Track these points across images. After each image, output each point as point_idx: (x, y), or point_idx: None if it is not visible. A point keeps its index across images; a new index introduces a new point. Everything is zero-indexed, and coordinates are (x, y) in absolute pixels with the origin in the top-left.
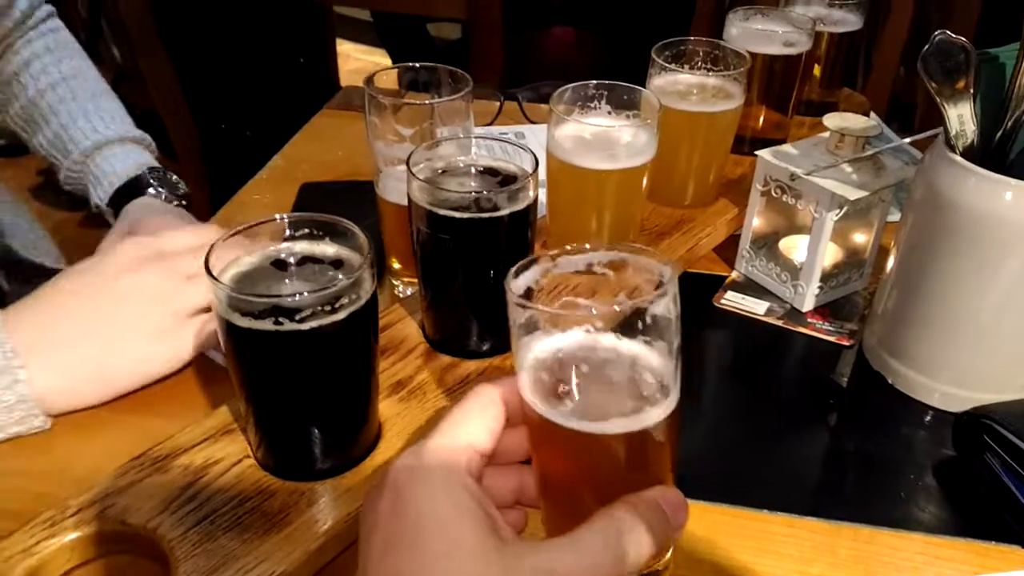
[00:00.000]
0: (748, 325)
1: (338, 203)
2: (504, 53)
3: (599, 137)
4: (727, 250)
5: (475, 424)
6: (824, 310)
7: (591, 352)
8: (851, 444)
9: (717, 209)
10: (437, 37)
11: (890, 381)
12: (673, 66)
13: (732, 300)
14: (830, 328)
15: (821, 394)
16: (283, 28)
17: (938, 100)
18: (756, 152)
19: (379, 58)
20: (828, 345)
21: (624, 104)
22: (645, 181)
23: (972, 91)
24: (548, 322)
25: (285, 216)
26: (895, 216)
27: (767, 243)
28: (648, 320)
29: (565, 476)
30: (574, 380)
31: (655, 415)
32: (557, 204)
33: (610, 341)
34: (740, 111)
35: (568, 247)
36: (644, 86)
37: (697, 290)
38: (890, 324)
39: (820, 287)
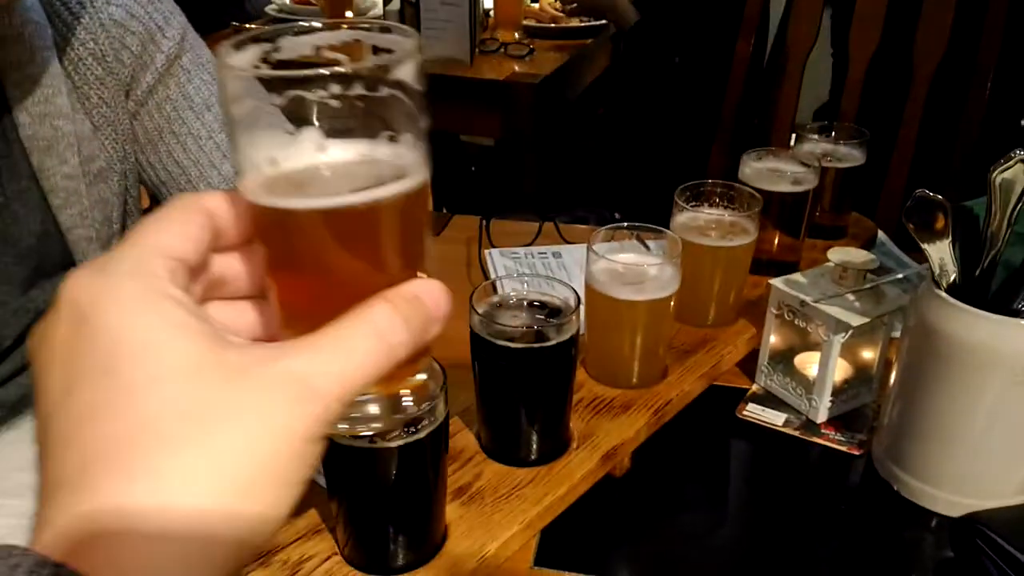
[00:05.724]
0: (768, 435)
1: None
2: (536, 169)
3: (630, 271)
4: (749, 363)
5: (170, 232)
6: (837, 421)
7: (325, 141)
8: (860, 546)
9: (737, 328)
10: (470, 143)
11: (896, 488)
12: (692, 204)
13: (753, 411)
14: (842, 439)
15: (834, 500)
16: None
17: (922, 245)
18: (770, 281)
19: None
20: (841, 454)
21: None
22: (671, 308)
23: (951, 238)
24: (279, 98)
25: None
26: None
27: (783, 359)
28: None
29: (305, 277)
30: (304, 168)
31: (392, 189)
32: (594, 326)
33: (346, 134)
34: (755, 244)
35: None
36: (668, 219)
37: (722, 402)
38: (894, 436)
39: (832, 400)
